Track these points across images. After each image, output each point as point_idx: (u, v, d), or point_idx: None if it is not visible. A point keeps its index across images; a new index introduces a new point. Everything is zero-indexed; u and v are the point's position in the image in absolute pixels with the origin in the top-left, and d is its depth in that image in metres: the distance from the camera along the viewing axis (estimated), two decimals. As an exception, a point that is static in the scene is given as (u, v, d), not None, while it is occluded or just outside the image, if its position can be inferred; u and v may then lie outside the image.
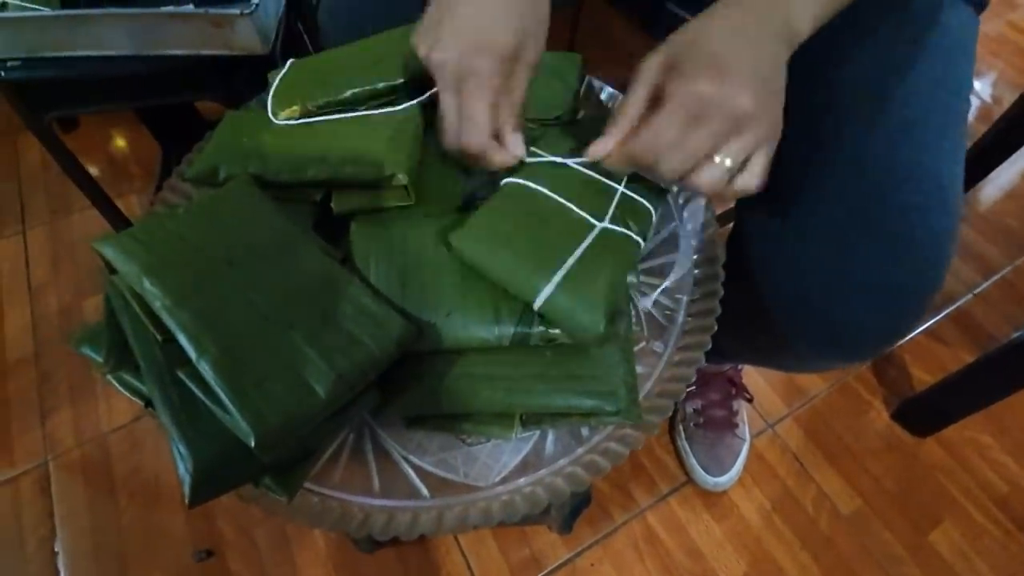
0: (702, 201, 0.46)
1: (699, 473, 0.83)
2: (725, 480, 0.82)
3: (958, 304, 1.01)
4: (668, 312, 0.42)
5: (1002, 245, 1.08)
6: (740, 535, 0.81)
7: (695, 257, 0.43)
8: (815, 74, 0.43)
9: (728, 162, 0.34)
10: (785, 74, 0.35)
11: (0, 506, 0.84)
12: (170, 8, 0.57)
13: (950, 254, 0.41)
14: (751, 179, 0.35)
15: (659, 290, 0.42)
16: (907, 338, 0.98)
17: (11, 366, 0.97)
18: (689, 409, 0.85)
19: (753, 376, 0.93)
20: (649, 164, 0.35)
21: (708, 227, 0.44)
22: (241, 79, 0.67)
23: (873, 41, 0.42)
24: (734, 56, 0.33)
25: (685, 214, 0.46)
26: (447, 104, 0.41)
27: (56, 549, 0.81)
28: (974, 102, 1.33)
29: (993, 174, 1.15)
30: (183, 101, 0.72)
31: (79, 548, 0.81)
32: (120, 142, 1.27)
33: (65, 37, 0.60)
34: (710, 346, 0.39)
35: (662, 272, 0.44)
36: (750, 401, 0.86)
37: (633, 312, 0.41)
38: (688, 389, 0.85)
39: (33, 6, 0.58)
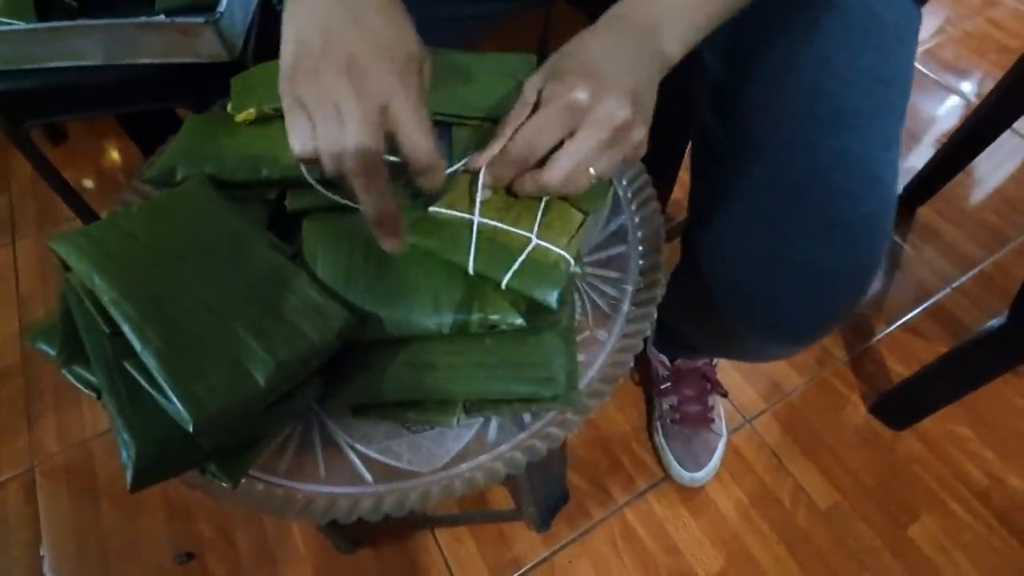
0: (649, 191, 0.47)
1: (676, 469, 0.83)
2: (702, 475, 0.82)
3: (935, 298, 1.02)
4: (613, 302, 0.42)
5: (980, 239, 1.08)
6: (718, 530, 0.82)
7: (640, 248, 0.44)
8: (747, 67, 0.45)
9: (593, 171, 0.35)
10: (655, 97, 0.36)
11: (-14, 511, 0.85)
12: (140, 18, 0.59)
13: (883, 238, 0.42)
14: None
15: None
16: (884, 332, 0.98)
17: (-1, 374, 0.98)
18: (665, 405, 0.86)
19: (729, 372, 0.94)
20: (524, 166, 0.36)
21: (655, 217, 0.45)
22: (213, 85, 0.68)
23: (805, 35, 0.43)
24: (612, 69, 0.34)
25: (633, 206, 0.47)
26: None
27: (41, 553, 0.82)
28: (960, 102, 1.33)
29: (971, 169, 1.16)
30: (159, 108, 0.73)
31: (63, 552, 0.82)
32: (108, 153, 1.29)
33: (41, 49, 0.62)
34: (649, 333, 0.40)
35: (609, 264, 0.45)
36: (725, 396, 0.87)
37: (578, 302, 0.42)
38: (663, 386, 0.86)
39: (8, 20, 0.60)
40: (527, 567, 0.80)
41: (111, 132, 1.31)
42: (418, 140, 0.34)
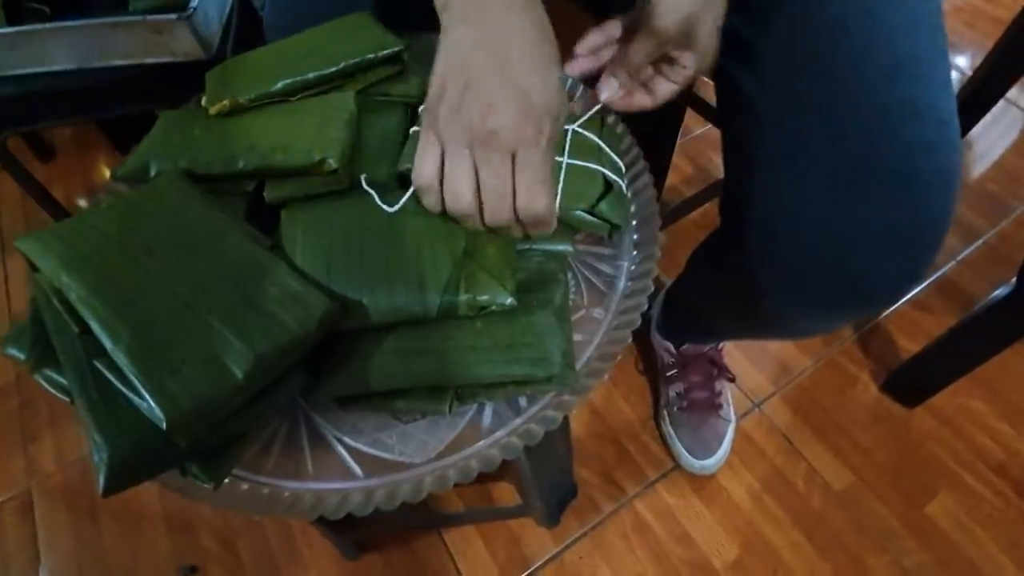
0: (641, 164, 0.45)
1: (685, 457, 0.81)
2: (712, 463, 0.80)
3: (942, 271, 1.00)
4: (608, 279, 0.41)
5: (984, 210, 1.06)
6: (731, 518, 0.80)
7: (634, 222, 0.43)
8: (794, 25, 0.43)
9: None
10: None
11: (-17, 534, 0.84)
12: (110, 18, 0.57)
13: (958, 187, 0.41)
14: None
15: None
16: (892, 308, 0.96)
17: (-8, 394, 0.97)
18: (672, 393, 0.84)
19: (736, 356, 0.92)
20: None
21: (647, 190, 0.44)
22: (192, 87, 0.67)
23: None
24: (705, 22, 0.39)
25: (625, 180, 0.45)
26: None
27: (40, 575, 0.80)
28: (955, 76, 1.32)
29: (971, 140, 1.15)
30: (139, 111, 0.72)
31: (64, 572, 0.81)
32: (97, 168, 1.28)
33: (12, 55, 0.61)
34: (646, 306, 0.38)
35: (603, 241, 0.43)
36: (732, 381, 0.85)
37: (572, 281, 0.41)
38: (669, 373, 0.84)
39: (-26, 27, 0.58)
40: (537, 565, 0.78)
41: (99, 147, 1.30)
42: (536, 196, 0.35)
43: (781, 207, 0.44)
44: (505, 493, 0.83)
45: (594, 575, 0.77)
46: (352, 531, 0.75)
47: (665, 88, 0.43)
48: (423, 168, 0.37)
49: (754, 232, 0.45)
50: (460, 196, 0.36)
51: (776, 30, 0.43)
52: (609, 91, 0.43)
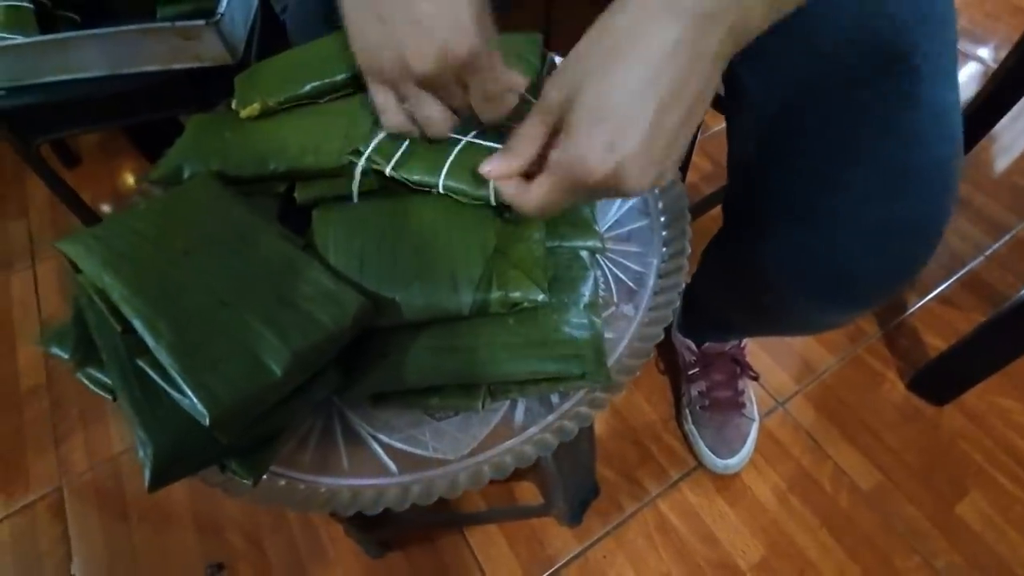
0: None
1: (708, 457, 0.81)
2: (735, 462, 0.80)
3: (969, 267, 0.98)
4: (638, 276, 0.41)
5: (1010, 204, 1.04)
6: (756, 518, 0.79)
7: (662, 219, 0.43)
8: (793, 19, 0.42)
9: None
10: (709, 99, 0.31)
11: (17, 532, 0.86)
12: (139, 24, 0.59)
13: (955, 184, 0.40)
14: None
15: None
16: (918, 305, 0.95)
17: (24, 395, 0.99)
18: (694, 392, 0.84)
19: (759, 354, 0.91)
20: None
21: (676, 186, 0.43)
22: (218, 92, 0.68)
23: None
24: (635, 117, 0.27)
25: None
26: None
27: (73, 572, 0.82)
28: (979, 68, 1.30)
29: (996, 133, 1.13)
30: (168, 117, 0.73)
31: (94, 569, 0.82)
32: (122, 174, 1.30)
33: (45, 62, 0.62)
34: (677, 304, 0.38)
35: (631, 239, 0.43)
36: (756, 379, 0.84)
37: (602, 279, 0.41)
38: (691, 372, 0.84)
39: (8, 35, 0.60)
40: (561, 563, 0.78)
41: (124, 152, 1.32)
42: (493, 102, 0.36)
43: (778, 202, 0.43)
44: (527, 492, 0.83)
45: (618, 575, 0.76)
46: (377, 530, 0.75)
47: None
48: (389, 116, 0.39)
49: (752, 226, 0.45)
50: (434, 123, 0.37)
51: (774, 24, 0.42)
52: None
